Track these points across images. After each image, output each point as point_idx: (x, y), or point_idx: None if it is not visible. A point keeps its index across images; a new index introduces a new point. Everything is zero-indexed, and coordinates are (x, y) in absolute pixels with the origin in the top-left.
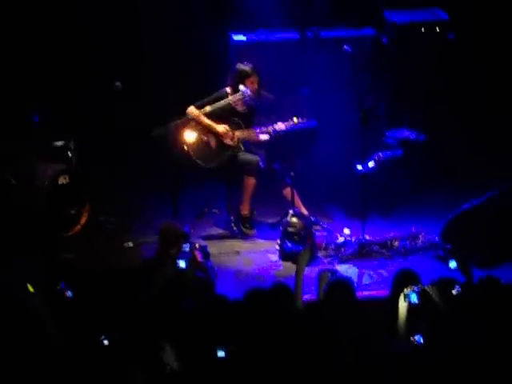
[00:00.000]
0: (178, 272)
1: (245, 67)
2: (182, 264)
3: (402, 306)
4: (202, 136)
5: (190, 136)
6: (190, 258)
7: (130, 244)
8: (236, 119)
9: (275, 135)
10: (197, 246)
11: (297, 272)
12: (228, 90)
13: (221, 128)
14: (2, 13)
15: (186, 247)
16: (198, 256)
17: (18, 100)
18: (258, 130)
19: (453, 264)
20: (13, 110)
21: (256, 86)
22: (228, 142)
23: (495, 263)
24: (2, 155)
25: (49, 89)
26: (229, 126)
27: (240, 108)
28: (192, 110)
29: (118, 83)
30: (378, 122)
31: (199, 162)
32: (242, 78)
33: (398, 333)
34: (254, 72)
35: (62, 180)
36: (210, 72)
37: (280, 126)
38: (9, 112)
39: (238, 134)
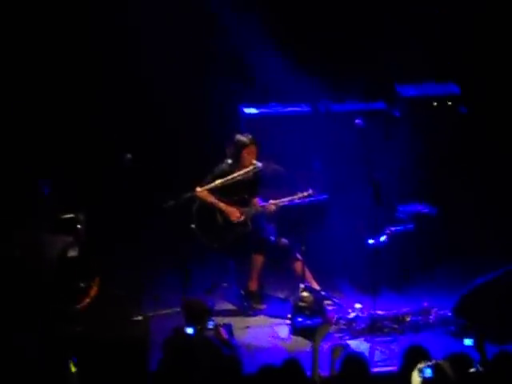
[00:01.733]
0: (185, 340)
1: (243, 138)
2: (189, 331)
3: (416, 380)
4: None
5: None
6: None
7: (140, 317)
8: (243, 195)
9: (285, 207)
10: (221, 323)
11: (313, 348)
12: (229, 161)
13: (228, 208)
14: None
15: (210, 324)
16: (224, 333)
17: (29, 173)
18: (266, 203)
19: (468, 341)
20: (23, 183)
21: (254, 156)
22: (236, 220)
23: (509, 339)
24: (10, 228)
25: (59, 161)
26: (236, 202)
27: (244, 178)
28: (199, 191)
29: (128, 156)
30: (389, 196)
31: (206, 241)
32: (240, 148)
33: None
34: (253, 142)
35: (71, 253)
36: (221, 145)
37: (289, 198)
38: (18, 184)
39: (245, 211)
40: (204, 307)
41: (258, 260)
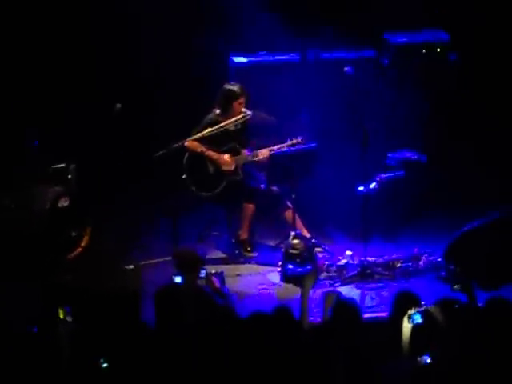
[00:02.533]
0: (172, 287)
1: (233, 87)
2: (177, 279)
3: (407, 326)
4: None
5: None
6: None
7: (131, 266)
8: (233, 144)
9: (275, 156)
10: (213, 271)
11: (302, 295)
12: (217, 111)
13: (219, 157)
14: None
15: (202, 273)
16: (216, 282)
17: (18, 124)
18: (256, 152)
19: (456, 286)
20: (13, 135)
21: (243, 105)
22: (227, 169)
23: (497, 284)
24: (1, 180)
25: (49, 112)
26: (225, 151)
27: (233, 127)
28: (189, 140)
29: (117, 105)
30: (379, 143)
31: (197, 191)
32: (231, 98)
33: (401, 353)
34: (243, 92)
35: (62, 203)
36: (210, 94)
37: (279, 146)
38: (9, 136)
39: (236, 159)
40: (195, 256)
41: (249, 208)
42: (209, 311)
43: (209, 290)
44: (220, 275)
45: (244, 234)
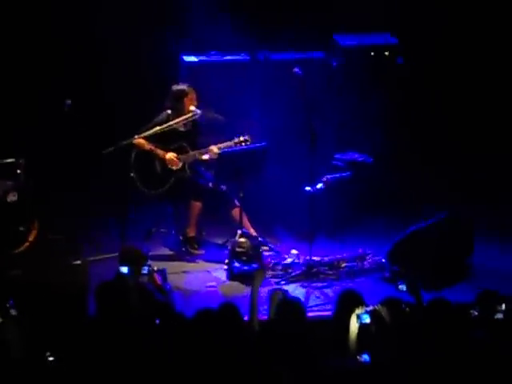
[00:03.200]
0: (119, 278)
1: (181, 86)
2: (123, 270)
3: (354, 325)
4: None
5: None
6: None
7: (78, 262)
8: (181, 143)
9: (223, 154)
10: (155, 268)
11: (252, 293)
12: (169, 111)
13: (166, 155)
14: None
15: (145, 269)
16: (158, 279)
17: None
18: (204, 150)
19: (401, 286)
20: None
21: (195, 102)
22: (174, 167)
23: (441, 286)
24: None
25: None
26: (174, 150)
27: (183, 128)
28: (137, 138)
29: (68, 101)
30: (326, 144)
31: (144, 189)
32: (180, 97)
33: (346, 351)
34: (191, 90)
35: (10, 197)
36: (160, 93)
37: (227, 144)
38: None
39: (183, 157)
40: (139, 253)
41: (196, 206)
42: (149, 306)
43: (150, 286)
44: (162, 272)
45: (191, 232)
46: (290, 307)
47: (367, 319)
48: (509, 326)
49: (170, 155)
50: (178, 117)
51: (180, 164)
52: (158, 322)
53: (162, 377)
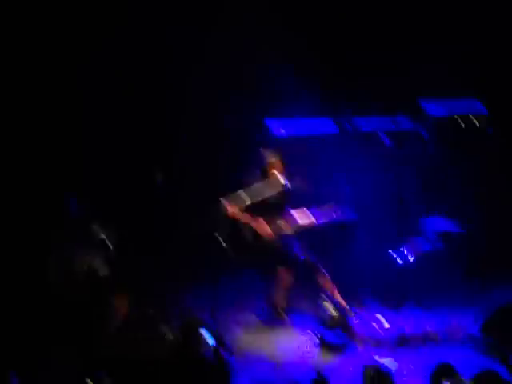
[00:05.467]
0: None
1: (270, 155)
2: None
3: None
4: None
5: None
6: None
7: (171, 336)
8: (273, 212)
9: (313, 225)
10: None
11: None
12: (258, 178)
13: (257, 224)
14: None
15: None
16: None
17: (59, 188)
18: (293, 220)
19: (495, 359)
20: (54, 199)
21: (281, 172)
22: (267, 237)
23: None
24: (42, 245)
25: (88, 176)
26: (265, 219)
27: (273, 200)
28: (229, 209)
29: (160, 175)
30: (416, 213)
31: (235, 255)
32: (268, 165)
33: None
34: (279, 160)
35: (101, 272)
36: (248, 162)
37: (318, 216)
38: (50, 200)
39: (273, 228)
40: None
41: (285, 275)
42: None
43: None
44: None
45: (279, 300)
46: (382, 380)
47: None
48: None
49: (263, 227)
50: (266, 184)
51: (271, 233)
52: None
53: None
